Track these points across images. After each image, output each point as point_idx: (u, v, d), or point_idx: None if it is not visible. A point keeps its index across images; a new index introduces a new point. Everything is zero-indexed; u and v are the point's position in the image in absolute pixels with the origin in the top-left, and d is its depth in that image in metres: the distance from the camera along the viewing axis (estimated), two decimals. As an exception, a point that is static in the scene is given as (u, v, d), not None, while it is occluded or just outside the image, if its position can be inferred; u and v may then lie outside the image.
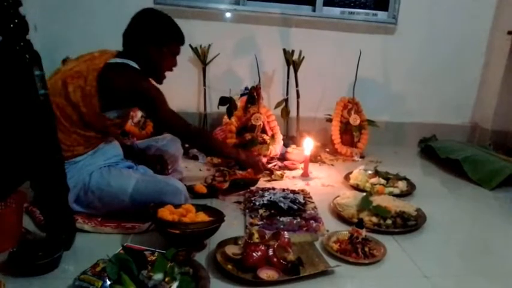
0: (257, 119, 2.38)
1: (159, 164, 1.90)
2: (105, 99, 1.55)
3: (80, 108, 1.54)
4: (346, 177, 2.24)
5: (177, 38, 1.73)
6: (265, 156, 2.35)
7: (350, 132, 2.72)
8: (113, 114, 1.60)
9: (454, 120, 3.13)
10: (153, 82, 1.71)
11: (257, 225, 1.64)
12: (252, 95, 2.41)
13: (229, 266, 1.34)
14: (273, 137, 2.45)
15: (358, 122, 2.71)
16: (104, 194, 1.59)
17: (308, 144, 2.33)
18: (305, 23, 2.79)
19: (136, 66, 1.64)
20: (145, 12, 1.69)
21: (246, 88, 2.64)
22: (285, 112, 2.71)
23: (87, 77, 1.54)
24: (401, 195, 2.06)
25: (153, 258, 1.25)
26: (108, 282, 1.15)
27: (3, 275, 1.24)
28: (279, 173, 2.27)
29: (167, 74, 1.77)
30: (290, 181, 2.22)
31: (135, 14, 1.68)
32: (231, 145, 2.28)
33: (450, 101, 3.09)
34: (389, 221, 1.71)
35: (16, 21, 1.12)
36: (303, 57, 2.64)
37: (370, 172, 2.25)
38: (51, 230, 1.38)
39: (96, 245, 1.45)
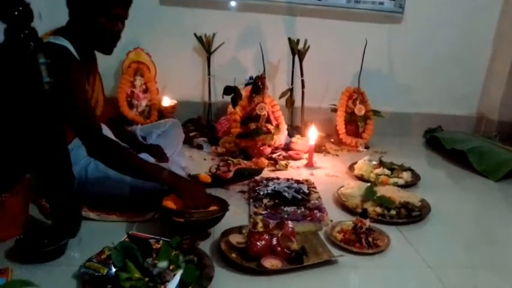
0: (262, 109, 2.37)
1: (156, 155, 1.87)
2: None
3: None
4: (351, 168, 2.24)
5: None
6: (269, 146, 2.34)
7: (355, 123, 2.70)
8: None
9: (460, 110, 3.10)
10: (78, 65, 1.47)
11: (261, 214, 1.64)
12: (257, 85, 2.40)
13: (234, 255, 1.35)
14: (277, 126, 2.44)
15: (363, 112, 2.69)
16: (103, 186, 1.58)
17: (313, 134, 2.32)
18: (310, 11, 2.76)
19: (64, 43, 1.44)
20: None
21: (251, 77, 2.62)
22: (290, 102, 2.69)
23: None
24: (406, 185, 2.06)
25: (158, 246, 1.26)
26: (114, 270, 1.16)
27: (10, 262, 1.26)
28: (283, 163, 2.27)
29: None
30: (294, 171, 2.22)
31: None
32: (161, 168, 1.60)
33: (456, 92, 3.06)
34: (393, 212, 1.71)
35: (20, 8, 1.11)
36: (308, 47, 2.62)
37: (374, 162, 2.24)
38: (57, 218, 1.39)
39: (102, 233, 1.46)
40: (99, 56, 1.67)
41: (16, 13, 1.10)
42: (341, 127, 2.69)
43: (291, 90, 2.70)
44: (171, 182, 1.47)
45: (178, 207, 1.44)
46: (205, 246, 1.40)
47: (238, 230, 1.48)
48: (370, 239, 1.48)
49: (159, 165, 1.56)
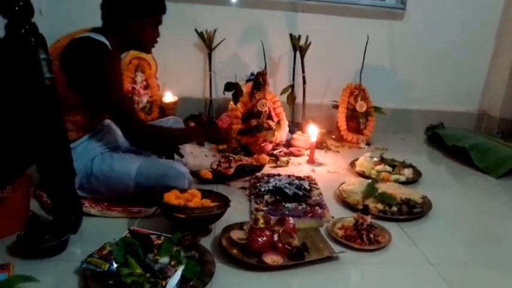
0: (263, 105, 2.36)
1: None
2: (68, 76, 1.48)
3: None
4: (352, 164, 2.24)
5: (157, 8, 1.62)
6: (270, 142, 2.34)
7: (356, 119, 2.70)
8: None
9: (461, 107, 3.09)
10: (117, 63, 1.65)
11: (262, 210, 1.64)
12: (258, 81, 2.39)
13: (235, 251, 1.35)
14: (278, 123, 2.44)
15: (364, 108, 2.68)
16: (108, 179, 1.59)
17: (314, 131, 2.32)
18: (312, 7, 2.75)
19: (103, 40, 1.53)
20: None
21: (252, 74, 2.62)
22: (291, 98, 2.69)
23: (55, 54, 1.49)
24: (407, 182, 2.05)
25: (159, 242, 1.26)
26: (115, 265, 1.16)
27: (12, 257, 1.26)
28: (284, 159, 2.27)
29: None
30: (295, 167, 2.22)
31: None
32: (189, 128, 2.19)
33: (458, 88, 3.05)
34: (394, 208, 1.71)
35: (21, 3, 1.11)
36: (310, 43, 2.61)
37: (376, 159, 2.24)
38: (58, 213, 1.39)
39: (103, 228, 1.46)
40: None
41: (16, 8, 1.10)
42: (342, 124, 2.69)
43: (292, 86, 2.69)
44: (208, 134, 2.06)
45: (180, 202, 1.45)
46: (206, 242, 1.41)
47: (240, 226, 1.48)
48: (371, 236, 1.48)
49: (191, 128, 2.12)
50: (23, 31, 1.13)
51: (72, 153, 1.52)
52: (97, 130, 1.66)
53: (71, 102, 1.53)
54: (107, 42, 1.55)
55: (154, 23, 1.64)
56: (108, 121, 1.71)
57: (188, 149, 2.23)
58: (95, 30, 1.57)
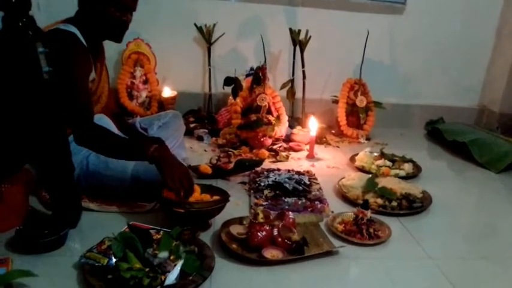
0: (262, 100, 2.35)
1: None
2: None
3: None
4: (352, 159, 2.23)
5: None
6: (270, 137, 2.33)
7: (356, 114, 2.69)
8: None
9: (462, 102, 3.08)
10: (85, 56, 1.50)
11: (262, 205, 1.64)
12: (258, 76, 2.38)
13: (234, 246, 1.35)
14: (278, 118, 2.43)
15: (364, 103, 2.67)
16: (104, 178, 1.57)
17: (313, 126, 2.31)
18: (312, 2, 2.73)
19: (74, 31, 1.45)
20: None
21: (252, 68, 2.61)
22: (291, 93, 2.68)
23: None
24: (407, 177, 2.05)
25: (159, 236, 1.26)
26: (114, 260, 1.16)
27: (10, 252, 1.26)
28: (284, 154, 2.26)
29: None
30: (295, 162, 2.21)
31: None
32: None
33: (458, 83, 3.04)
34: (394, 203, 1.71)
35: (18, -4, 1.10)
36: (310, 37, 2.59)
37: (376, 154, 2.23)
38: (57, 208, 1.38)
39: (102, 223, 1.45)
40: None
41: (13, 1, 1.09)
42: (342, 118, 2.68)
43: (292, 81, 2.68)
44: (156, 158, 1.41)
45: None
46: (205, 236, 1.40)
47: (239, 220, 1.48)
48: (371, 230, 1.48)
49: (148, 141, 1.52)
50: (20, 24, 1.12)
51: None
52: None
53: None
54: (77, 32, 1.46)
55: (125, 7, 1.53)
56: (100, 115, 1.63)
57: (187, 144, 2.23)
58: (68, 19, 1.51)
